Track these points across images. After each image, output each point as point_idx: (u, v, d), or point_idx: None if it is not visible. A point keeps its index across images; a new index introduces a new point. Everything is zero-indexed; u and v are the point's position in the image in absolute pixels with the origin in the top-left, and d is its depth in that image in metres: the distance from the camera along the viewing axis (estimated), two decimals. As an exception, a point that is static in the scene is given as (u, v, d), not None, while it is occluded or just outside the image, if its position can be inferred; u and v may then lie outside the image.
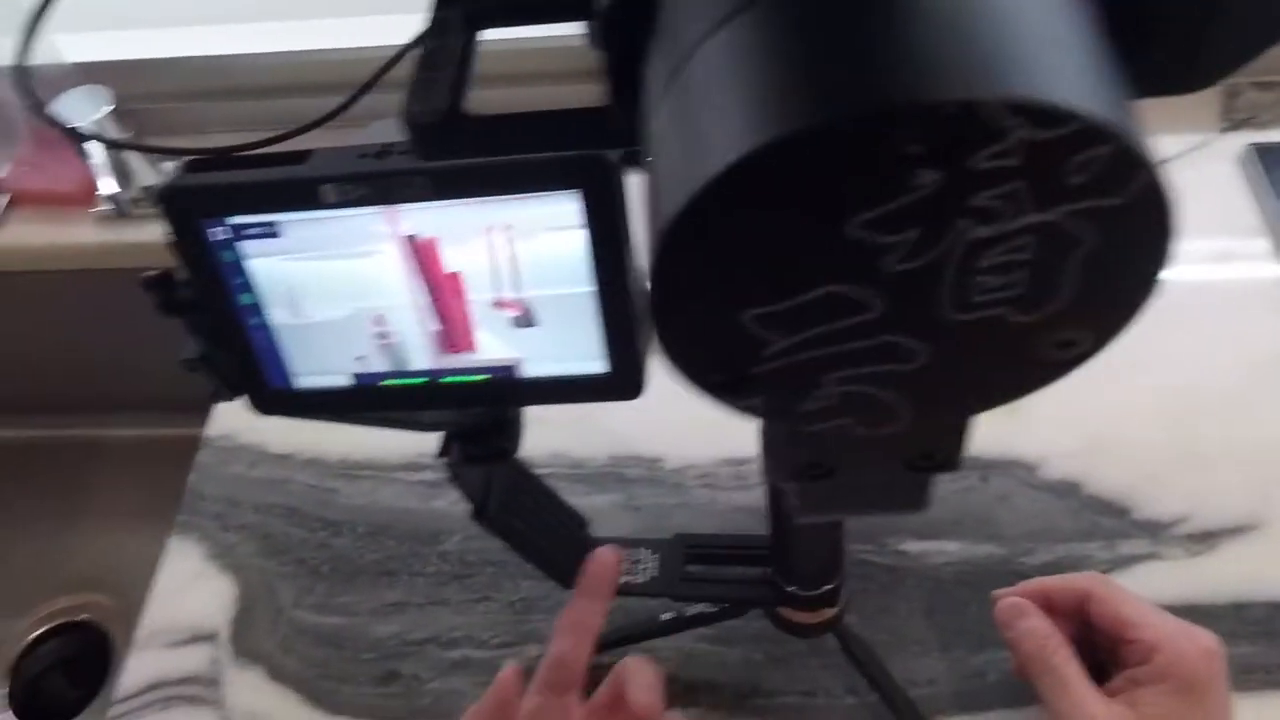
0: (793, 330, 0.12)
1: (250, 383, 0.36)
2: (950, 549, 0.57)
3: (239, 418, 0.67)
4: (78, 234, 0.78)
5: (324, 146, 0.32)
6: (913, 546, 0.57)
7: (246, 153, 0.32)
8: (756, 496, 0.59)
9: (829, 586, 0.47)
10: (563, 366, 0.35)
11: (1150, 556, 0.55)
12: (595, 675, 0.43)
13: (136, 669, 0.57)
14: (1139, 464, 0.58)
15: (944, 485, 0.59)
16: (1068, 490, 0.58)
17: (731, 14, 0.13)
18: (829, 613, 0.49)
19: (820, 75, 0.12)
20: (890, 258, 0.12)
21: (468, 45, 0.23)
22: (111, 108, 0.71)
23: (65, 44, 0.76)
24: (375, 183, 0.30)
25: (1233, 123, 0.74)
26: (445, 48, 0.22)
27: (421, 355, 0.35)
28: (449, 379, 0.35)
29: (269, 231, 0.32)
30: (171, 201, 0.32)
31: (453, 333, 0.34)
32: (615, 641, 0.53)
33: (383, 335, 0.35)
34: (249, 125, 0.74)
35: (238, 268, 0.33)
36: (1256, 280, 0.65)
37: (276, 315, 0.34)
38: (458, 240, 0.32)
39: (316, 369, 0.36)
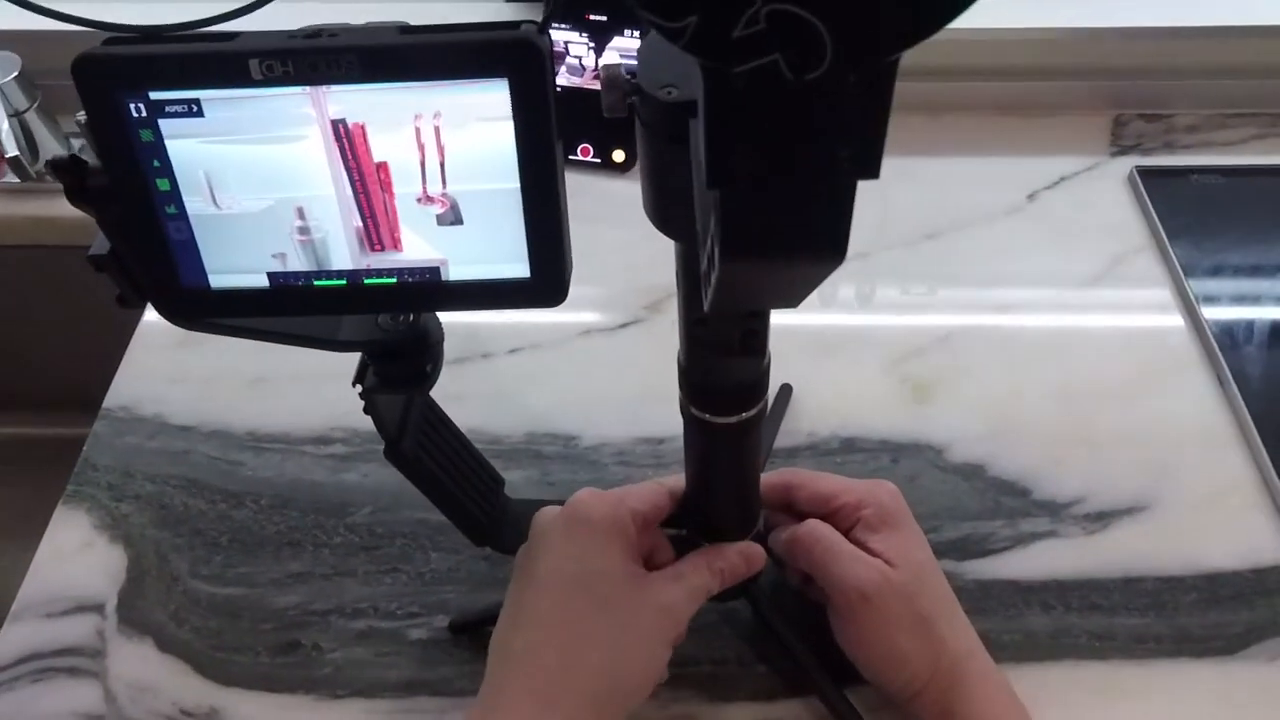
0: None
1: (162, 283, 0.35)
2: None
3: (141, 386, 0.64)
4: (-25, 207, 0.75)
5: (252, 30, 0.32)
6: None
7: (173, 32, 0.32)
8: (670, 473, 0.59)
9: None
10: (486, 269, 0.35)
11: (1049, 534, 0.57)
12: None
13: (10, 640, 0.53)
14: (1039, 448, 0.61)
15: (857, 466, 0.60)
16: (973, 472, 0.60)
17: None
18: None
19: None
20: None
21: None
22: (16, 73, 0.69)
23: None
24: (304, 59, 0.30)
25: (1120, 148, 0.79)
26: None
27: (343, 254, 0.35)
28: (371, 280, 0.35)
29: (191, 110, 0.32)
30: (87, 72, 0.31)
31: (377, 229, 0.34)
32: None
33: (304, 230, 0.34)
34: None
35: (156, 149, 0.32)
36: (1141, 286, 0.69)
37: (193, 204, 0.33)
38: (386, 127, 0.32)
39: (233, 266, 0.35)
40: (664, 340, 0.66)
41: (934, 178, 0.76)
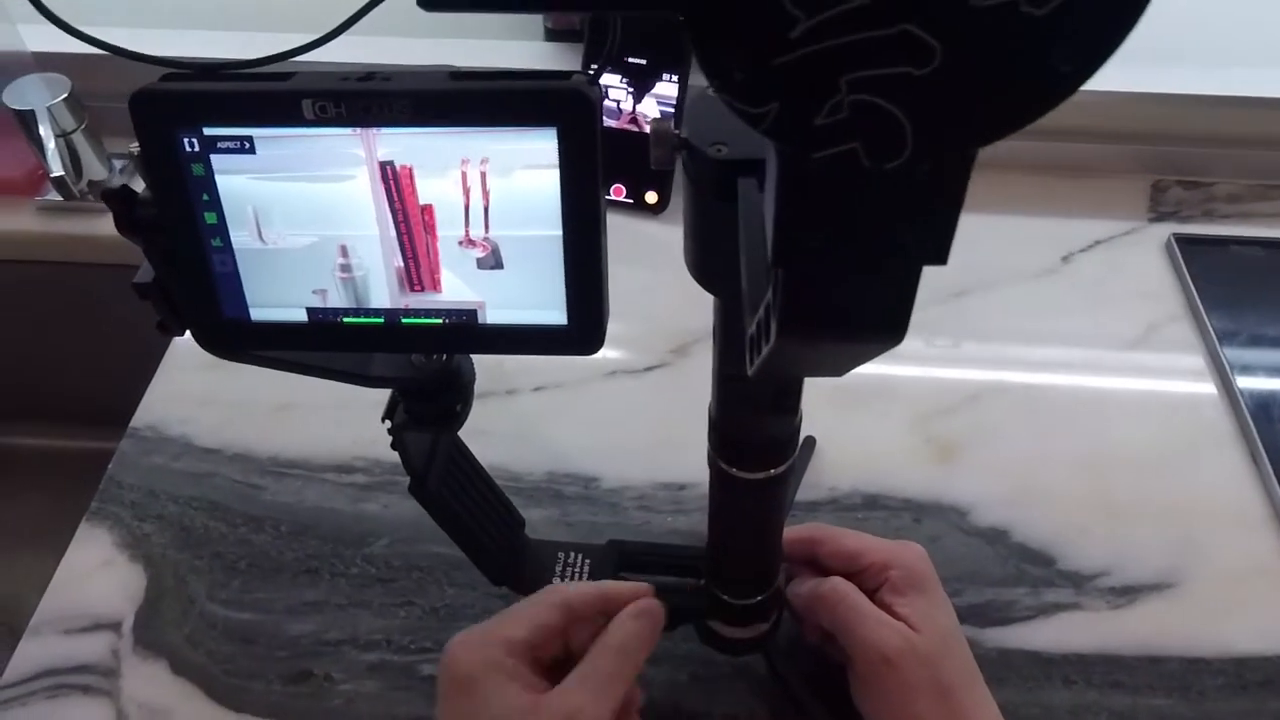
0: (818, 6, 0.13)
1: (203, 312, 0.35)
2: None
3: (167, 408, 0.65)
4: (19, 222, 0.76)
5: (306, 72, 0.32)
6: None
7: (229, 70, 0.32)
8: (692, 522, 0.59)
9: (761, 597, 0.47)
10: (523, 314, 0.35)
11: (1073, 606, 0.56)
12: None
13: (27, 655, 0.53)
14: (1065, 516, 0.60)
15: (879, 524, 0.59)
16: (996, 537, 0.59)
17: None
18: (761, 627, 0.49)
19: None
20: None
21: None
22: (66, 95, 0.71)
23: (29, 34, 0.76)
24: (356, 101, 0.31)
25: (1159, 214, 0.79)
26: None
27: (383, 293, 0.35)
28: (409, 320, 0.35)
29: (243, 146, 0.32)
30: (144, 107, 0.31)
31: (418, 270, 0.34)
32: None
33: (345, 268, 0.34)
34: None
35: (206, 183, 0.33)
36: (1175, 355, 0.69)
37: (239, 238, 0.34)
38: (433, 170, 0.32)
39: (274, 300, 0.35)
40: (689, 386, 0.66)
41: (968, 234, 0.75)
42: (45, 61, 0.75)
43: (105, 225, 0.77)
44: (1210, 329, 0.69)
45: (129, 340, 0.79)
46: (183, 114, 0.32)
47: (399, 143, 0.32)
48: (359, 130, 0.31)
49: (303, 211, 0.33)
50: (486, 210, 0.33)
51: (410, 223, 0.33)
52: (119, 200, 0.34)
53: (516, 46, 0.82)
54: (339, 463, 0.62)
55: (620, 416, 0.65)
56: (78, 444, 0.91)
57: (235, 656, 0.53)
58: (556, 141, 0.31)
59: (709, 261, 0.31)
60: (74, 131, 0.73)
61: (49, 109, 0.71)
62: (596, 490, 0.61)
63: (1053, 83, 0.14)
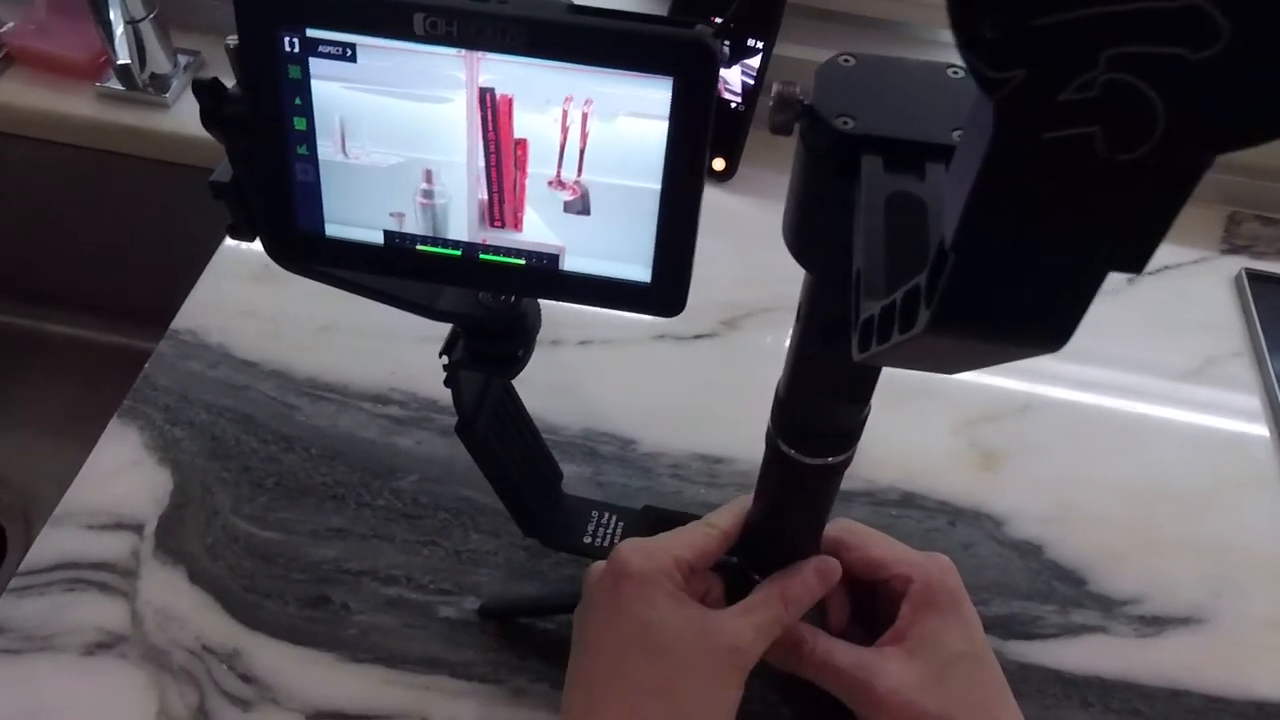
0: None
1: (278, 222, 0.34)
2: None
3: (208, 315, 0.64)
4: (76, 105, 0.75)
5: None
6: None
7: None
8: (725, 496, 0.58)
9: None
10: (605, 266, 0.34)
11: (1099, 629, 0.55)
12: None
13: (48, 544, 0.53)
14: (1101, 539, 0.59)
15: (912, 523, 0.58)
16: (1030, 551, 0.58)
17: None
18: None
19: None
20: None
21: None
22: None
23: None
24: (470, 21, 0.29)
25: (1232, 246, 0.77)
26: None
27: (461, 224, 0.34)
28: (486, 256, 0.34)
29: (345, 54, 0.31)
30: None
31: (501, 205, 0.33)
32: (561, 607, 0.51)
33: (428, 194, 0.33)
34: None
35: (300, 87, 0.31)
36: (1231, 393, 0.67)
37: (325, 148, 0.33)
38: (534, 105, 0.31)
39: (351, 218, 0.34)
40: (736, 359, 0.65)
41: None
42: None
43: (163, 119, 0.75)
44: (1271, 370, 0.67)
45: (174, 240, 0.79)
46: (289, 11, 0.30)
47: (503, 70, 0.30)
48: (464, 52, 0.30)
49: (393, 129, 0.32)
50: (582, 153, 0.32)
51: (501, 155, 0.32)
52: (209, 93, 0.32)
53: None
54: (376, 392, 0.61)
55: (664, 381, 0.64)
56: (111, 338, 0.91)
57: (254, 573, 0.53)
58: (671, 92, 0.30)
59: (810, 235, 0.30)
60: (143, 20, 0.72)
61: (121, -6, 0.70)
62: (633, 453, 0.60)
63: None
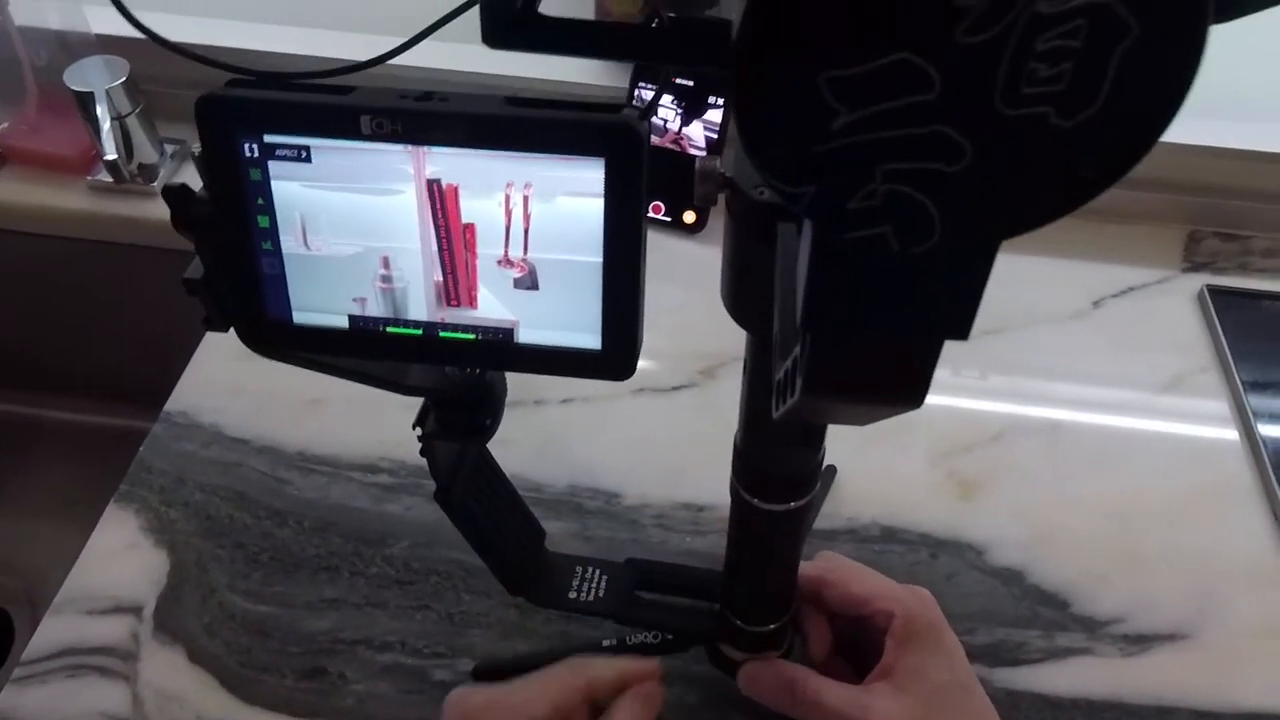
0: (859, 103, 0.13)
1: (248, 312, 0.36)
2: (893, 618, 0.57)
3: (201, 395, 0.66)
4: (68, 199, 0.77)
5: (367, 86, 0.33)
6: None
7: (293, 80, 0.33)
8: (709, 543, 0.60)
9: (775, 625, 0.48)
10: (558, 336, 0.36)
11: (1085, 651, 0.56)
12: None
13: (49, 633, 0.54)
14: (1082, 561, 0.60)
15: (895, 558, 0.59)
16: (1012, 577, 0.59)
17: None
18: (773, 655, 0.49)
19: None
20: (961, 26, 0.13)
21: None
22: (124, 78, 0.72)
23: (94, 16, 0.77)
24: (413, 120, 0.32)
25: (1193, 264, 0.78)
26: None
27: (421, 305, 0.36)
28: (445, 334, 0.36)
29: (301, 155, 0.33)
30: (209, 111, 0.32)
31: (456, 285, 0.35)
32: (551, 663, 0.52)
33: (386, 279, 0.35)
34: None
35: (261, 187, 0.34)
36: (1203, 407, 0.68)
37: (288, 242, 0.35)
38: (478, 191, 0.33)
39: (316, 305, 0.36)
40: (715, 408, 0.66)
41: (999, 274, 0.75)
42: (108, 43, 0.76)
43: (152, 208, 0.78)
44: (1239, 383, 0.68)
45: (167, 323, 0.80)
46: (246, 121, 0.33)
47: (447, 162, 0.32)
48: (410, 147, 0.32)
49: (350, 221, 0.34)
50: (527, 232, 0.34)
51: (452, 239, 0.34)
52: (177, 198, 0.35)
53: (570, 64, 0.83)
54: (365, 462, 0.63)
55: (645, 434, 0.65)
56: (107, 420, 0.93)
57: (251, 648, 0.54)
58: (604, 171, 0.32)
59: (744, 297, 0.32)
60: (129, 115, 0.75)
61: (107, 91, 0.73)
62: (617, 506, 0.61)
63: (1076, 187, 0.14)
